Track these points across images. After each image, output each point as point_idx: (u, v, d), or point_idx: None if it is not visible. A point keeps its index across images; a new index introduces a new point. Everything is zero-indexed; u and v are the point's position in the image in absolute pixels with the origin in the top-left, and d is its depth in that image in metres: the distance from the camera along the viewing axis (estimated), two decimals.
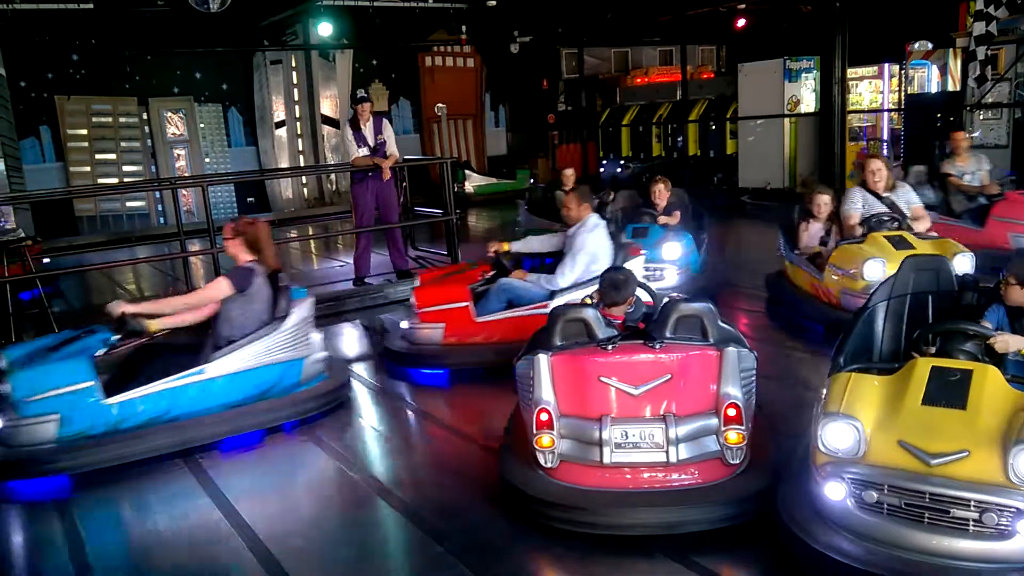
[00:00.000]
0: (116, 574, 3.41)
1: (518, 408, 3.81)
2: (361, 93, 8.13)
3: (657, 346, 3.41)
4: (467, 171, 16.41)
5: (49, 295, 7.55)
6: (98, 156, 14.34)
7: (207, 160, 15.33)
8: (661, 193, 7.80)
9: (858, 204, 6.00)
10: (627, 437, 3.26)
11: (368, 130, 7.91)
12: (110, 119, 14.38)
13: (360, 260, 8.30)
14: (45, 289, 7.32)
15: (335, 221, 14.38)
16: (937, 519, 2.62)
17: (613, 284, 4.00)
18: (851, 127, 12.67)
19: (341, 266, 10.00)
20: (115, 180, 14.30)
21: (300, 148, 16.09)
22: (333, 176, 16.11)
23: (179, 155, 15.05)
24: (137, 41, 14.11)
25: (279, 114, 15.83)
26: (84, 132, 14.21)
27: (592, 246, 5.51)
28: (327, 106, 16.01)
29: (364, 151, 7.89)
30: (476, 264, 6.12)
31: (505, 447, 3.75)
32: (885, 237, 5.68)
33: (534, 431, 3.34)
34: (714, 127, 15.36)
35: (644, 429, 3.25)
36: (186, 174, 14.58)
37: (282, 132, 15.92)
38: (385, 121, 8.08)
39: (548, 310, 4.41)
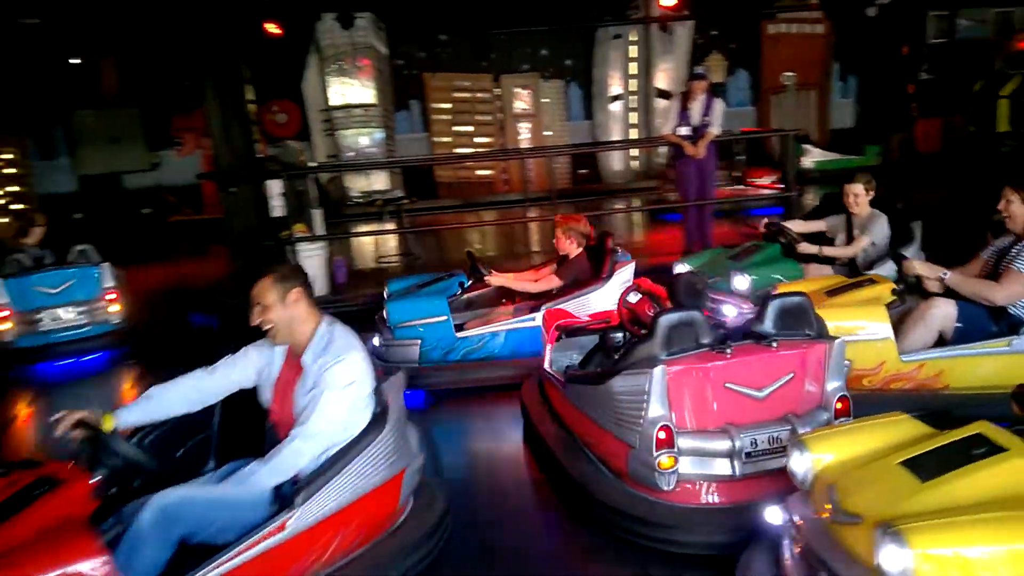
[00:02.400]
0: (451, 470, 4.23)
1: (586, 429, 3.61)
2: (699, 70, 8.09)
3: (774, 344, 3.23)
4: (806, 145, 15.42)
5: None
6: (456, 128, 15.92)
7: (547, 133, 16.24)
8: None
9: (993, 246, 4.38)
10: (756, 445, 3.11)
11: (696, 108, 7.82)
12: (469, 94, 15.86)
13: (691, 234, 8.29)
14: None
15: (658, 193, 14.42)
16: None
17: (691, 290, 3.63)
18: None
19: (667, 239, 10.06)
20: (470, 150, 15.80)
21: (632, 121, 16.37)
22: (663, 149, 16.14)
23: (524, 128, 16.13)
24: (496, 21, 15.32)
25: (615, 88, 16.22)
26: (447, 106, 15.86)
27: (347, 381, 2.86)
28: (662, 79, 16.02)
29: (684, 130, 7.84)
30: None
31: (588, 474, 3.49)
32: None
33: (653, 452, 3.07)
34: None
35: (772, 433, 3.12)
36: (526, 146, 15.63)
37: (616, 106, 16.30)
38: (717, 100, 7.89)
39: (280, 536, 2.66)
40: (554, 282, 5.44)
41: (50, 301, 6.51)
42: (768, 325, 3.33)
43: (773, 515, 2.68)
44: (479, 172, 15.96)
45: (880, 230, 5.36)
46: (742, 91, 17.16)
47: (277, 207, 7.95)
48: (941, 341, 4.11)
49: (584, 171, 16.39)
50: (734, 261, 5.73)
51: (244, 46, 8.66)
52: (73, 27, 13.86)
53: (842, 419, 3.18)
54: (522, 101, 16.05)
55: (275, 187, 7.83)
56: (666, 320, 3.29)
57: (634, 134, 16.21)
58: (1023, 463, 2.24)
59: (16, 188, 14.59)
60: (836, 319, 4.01)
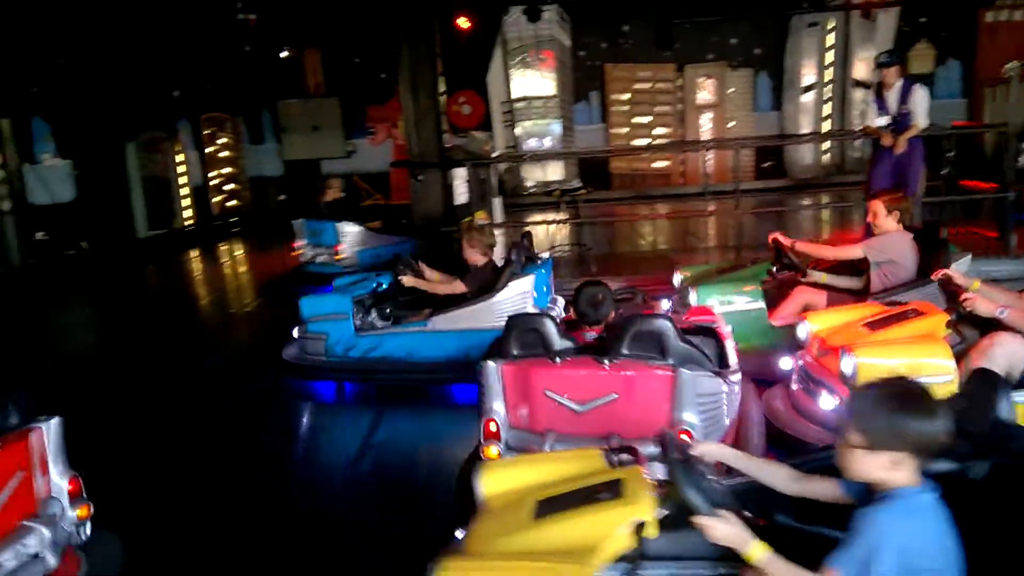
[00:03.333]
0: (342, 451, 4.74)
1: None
2: (883, 57, 7.30)
3: (606, 362, 3.23)
4: None
5: None
6: (634, 120, 15.76)
7: (731, 125, 15.72)
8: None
9: None
10: None
11: (892, 96, 7.14)
12: (649, 85, 15.65)
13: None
14: None
15: (852, 190, 13.58)
16: None
17: (591, 302, 3.71)
18: None
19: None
20: (646, 142, 15.60)
21: (825, 113, 15.48)
22: (858, 143, 15.18)
23: (705, 119, 15.69)
24: (682, 9, 14.99)
25: (808, 78, 15.40)
26: (626, 97, 15.74)
27: None
28: (861, 69, 15.02)
29: (883, 120, 7.20)
30: None
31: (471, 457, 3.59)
32: None
33: (481, 441, 3.28)
34: None
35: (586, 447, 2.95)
36: (708, 138, 15.20)
37: (808, 97, 15.47)
38: (916, 87, 7.13)
39: None
40: (458, 287, 5.44)
41: (314, 241, 9.19)
42: (620, 344, 3.29)
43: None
44: (655, 164, 15.74)
45: (890, 251, 4.80)
46: (952, 82, 15.74)
47: (461, 195, 8.26)
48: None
49: (768, 164, 15.72)
50: (719, 275, 5.51)
51: (438, 40, 9.02)
52: (282, 23, 15.06)
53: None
54: (706, 91, 15.62)
55: (460, 175, 8.14)
56: (512, 321, 3.55)
57: (827, 126, 15.33)
58: (614, 515, 2.12)
59: (230, 170, 16.12)
60: (885, 356, 3.54)
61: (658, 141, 15.59)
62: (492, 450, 3.27)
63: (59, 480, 2.97)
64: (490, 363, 3.36)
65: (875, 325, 3.89)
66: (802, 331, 4.19)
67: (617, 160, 15.69)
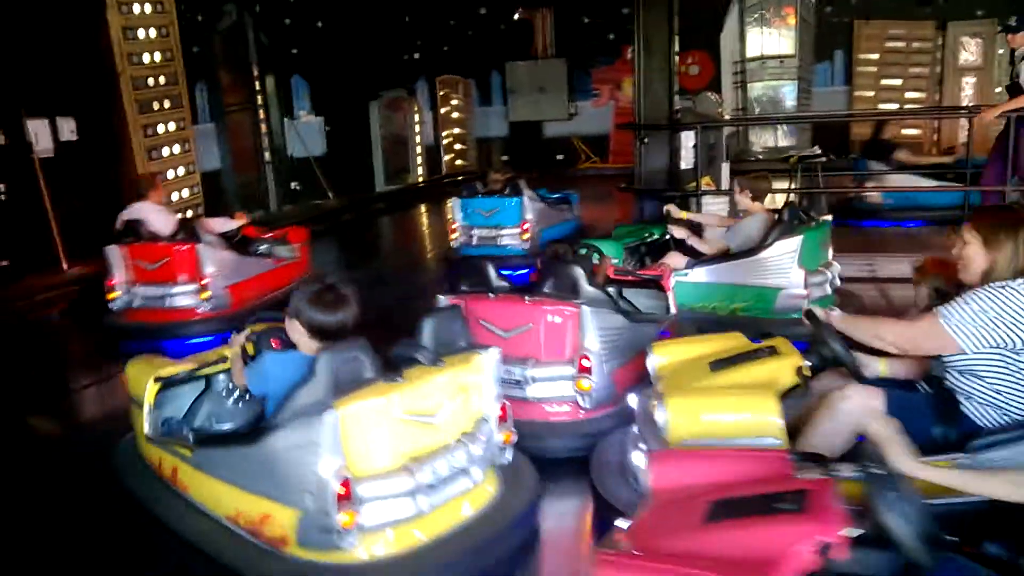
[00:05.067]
0: None
1: None
2: (1012, 21, 6.63)
3: (527, 299, 4.00)
4: None
5: None
6: (883, 81, 14.40)
7: (997, 90, 13.87)
8: None
9: None
10: (511, 374, 3.82)
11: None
12: (903, 44, 14.20)
13: None
14: None
15: None
16: None
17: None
18: None
19: None
20: (895, 106, 14.22)
21: None
22: None
23: (968, 84, 13.99)
24: None
25: None
26: (875, 57, 14.40)
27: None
28: None
29: None
30: None
31: None
32: None
33: None
34: None
35: (511, 368, 3.79)
36: (968, 104, 13.54)
37: None
38: None
39: None
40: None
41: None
42: (542, 284, 4.18)
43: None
44: (904, 131, 14.30)
45: (744, 234, 5.28)
46: None
47: (686, 159, 8.00)
48: None
49: None
50: (618, 237, 6.01)
51: None
52: None
53: (583, 375, 3.78)
54: (970, 52, 13.90)
55: (688, 139, 7.88)
56: (462, 264, 4.93)
57: None
58: None
59: (459, 130, 16.83)
60: (702, 410, 2.89)
61: (909, 106, 14.14)
62: None
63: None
64: (440, 297, 4.14)
65: (720, 364, 3.16)
66: (650, 363, 3.46)
67: (859, 126, 14.42)
